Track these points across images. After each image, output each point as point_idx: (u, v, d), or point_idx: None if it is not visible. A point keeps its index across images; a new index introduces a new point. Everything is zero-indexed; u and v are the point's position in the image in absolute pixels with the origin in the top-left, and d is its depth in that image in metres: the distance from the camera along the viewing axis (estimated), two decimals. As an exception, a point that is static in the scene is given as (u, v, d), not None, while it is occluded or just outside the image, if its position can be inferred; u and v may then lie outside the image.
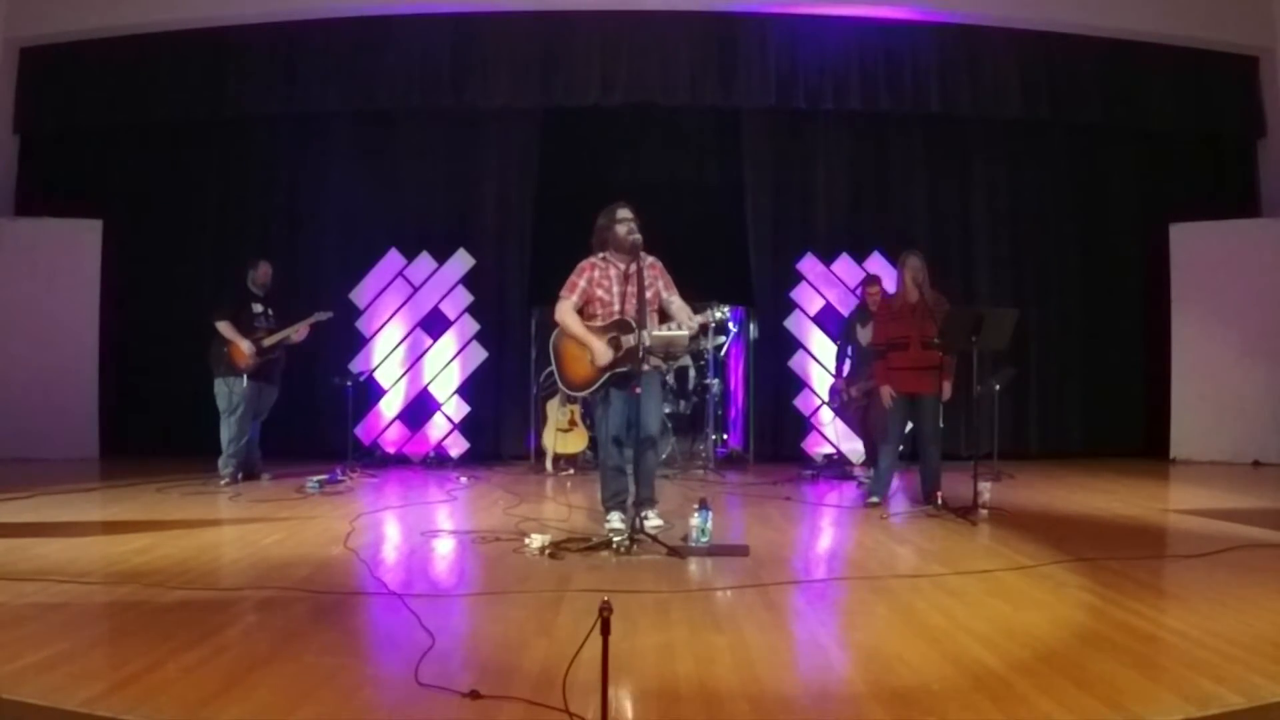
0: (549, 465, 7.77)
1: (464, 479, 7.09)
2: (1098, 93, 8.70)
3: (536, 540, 4.32)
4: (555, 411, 7.82)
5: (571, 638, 2.71)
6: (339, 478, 6.79)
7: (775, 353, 8.61)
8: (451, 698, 2.36)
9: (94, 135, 8.90)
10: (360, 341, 8.27)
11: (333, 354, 8.09)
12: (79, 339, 8.35)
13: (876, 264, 8.27)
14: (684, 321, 4.81)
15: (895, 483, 6.49)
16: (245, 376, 6.56)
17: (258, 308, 6.77)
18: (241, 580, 3.66)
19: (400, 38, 8.44)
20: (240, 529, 4.92)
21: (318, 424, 8.39)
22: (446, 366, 8.31)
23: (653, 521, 4.74)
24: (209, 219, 8.93)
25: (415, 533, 4.89)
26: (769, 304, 8.69)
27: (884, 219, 8.89)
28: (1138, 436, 9.05)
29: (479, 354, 8.34)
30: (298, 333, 6.80)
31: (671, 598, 3.44)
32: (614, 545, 4.22)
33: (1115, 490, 6.62)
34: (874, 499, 5.78)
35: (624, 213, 4.83)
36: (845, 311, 8.09)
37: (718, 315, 4.79)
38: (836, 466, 7.73)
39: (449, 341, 8.34)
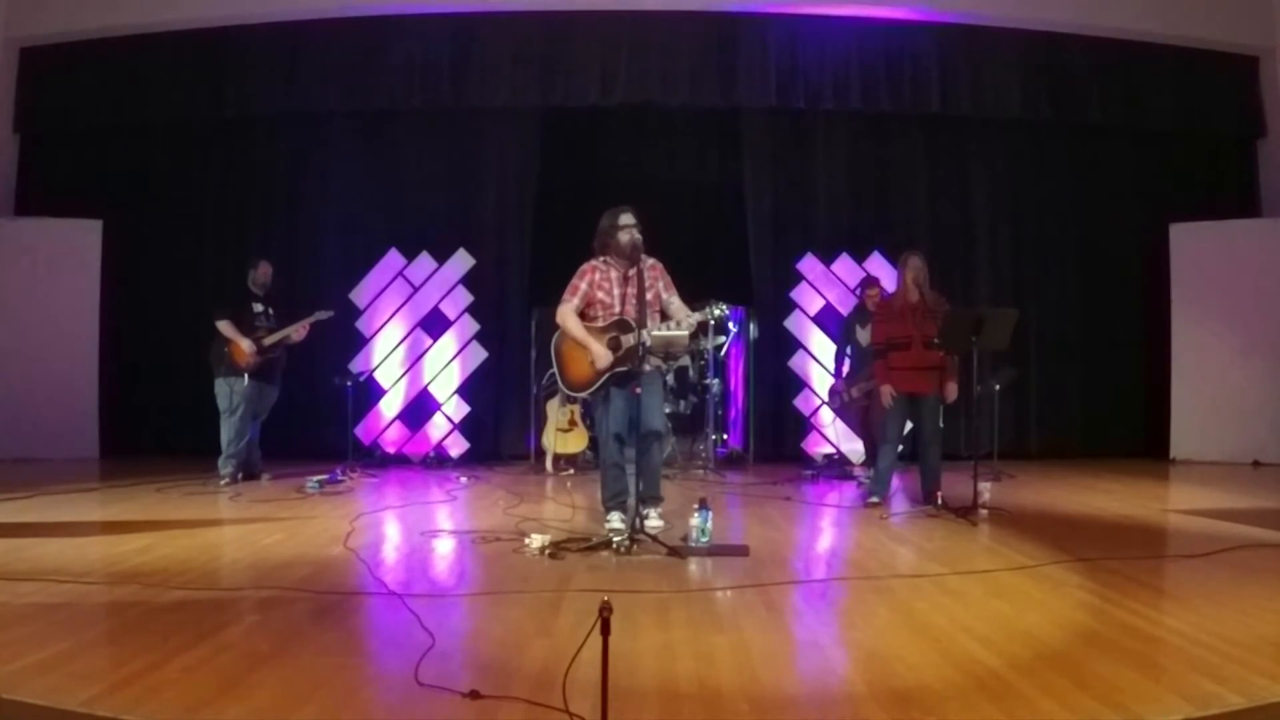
0: (549, 465, 7.77)
1: (464, 479, 7.09)
2: (1098, 93, 8.70)
3: (536, 540, 4.33)
4: (555, 411, 7.82)
5: (571, 638, 2.71)
6: (339, 478, 6.79)
7: (775, 353, 8.61)
8: (451, 698, 2.36)
9: (94, 135, 8.90)
10: (360, 341, 8.27)
11: (333, 354, 8.09)
12: (79, 339, 8.34)
13: (876, 264, 8.27)
14: (682, 320, 4.82)
15: (895, 483, 6.49)
16: (246, 376, 6.56)
17: (258, 307, 6.77)
18: (241, 580, 3.66)
19: (400, 38, 8.44)
20: (240, 529, 4.92)
21: (318, 424, 8.38)
22: (446, 366, 8.31)
23: (653, 522, 4.74)
24: (209, 219, 8.92)
25: (415, 533, 4.89)
26: (769, 304, 8.69)
27: (884, 219, 8.89)
28: (1138, 436, 9.04)
29: (479, 354, 8.34)
30: (298, 332, 6.80)
31: (671, 598, 3.44)
32: (614, 545, 4.22)
33: (1115, 490, 6.62)
34: (874, 499, 5.78)
35: (626, 219, 4.84)
36: (845, 312, 8.09)
37: (716, 313, 4.79)
38: (836, 466, 7.73)
39: (449, 341, 8.34)
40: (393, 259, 8.34)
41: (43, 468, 7.38)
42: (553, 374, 5.14)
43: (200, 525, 5.00)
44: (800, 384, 8.43)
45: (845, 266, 8.43)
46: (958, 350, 5.61)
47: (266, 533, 4.76)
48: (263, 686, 2.44)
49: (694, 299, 5.04)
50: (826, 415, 8.15)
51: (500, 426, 8.78)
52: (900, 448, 6.11)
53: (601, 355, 4.74)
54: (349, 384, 7.85)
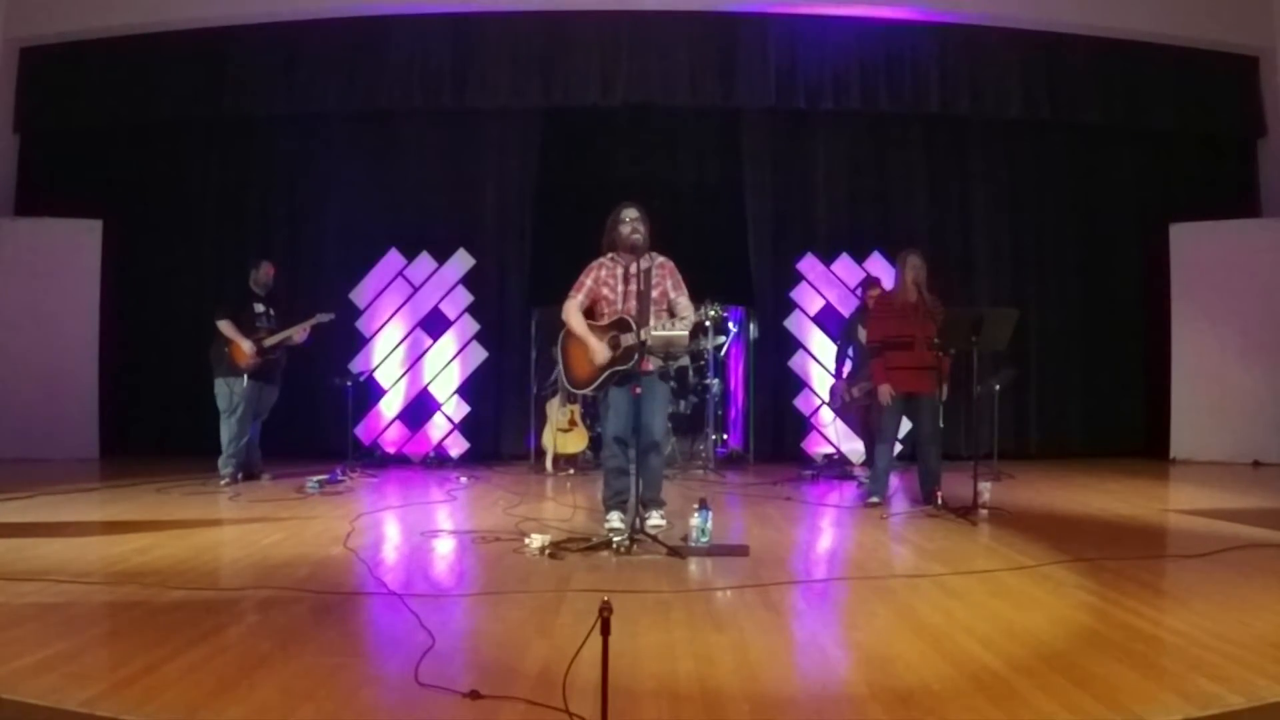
0: (549, 465, 7.77)
1: (464, 479, 7.09)
2: (1098, 93, 8.70)
3: (536, 540, 4.32)
4: (555, 411, 7.82)
5: (571, 638, 2.71)
6: (339, 478, 6.79)
7: (775, 353, 8.61)
8: (451, 698, 2.36)
9: (94, 135, 8.90)
10: (360, 341, 8.27)
11: (333, 354, 8.09)
12: (79, 339, 8.35)
13: (876, 264, 8.28)
14: (685, 319, 4.82)
15: (895, 483, 6.49)
16: (246, 376, 6.56)
17: (259, 307, 6.77)
18: (241, 580, 3.66)
19: (400, 38, 8.44)
20: (240, 529, 4.92)
21: (318, 424, 8.39)
22: (446, 366, 8.31)
23: (653, 521, 4.75)
24: (209, 219, 8.93)
25: (415, 533, 4.89)
26: (769, 304, 8.69)
27: (884, 219, 8.89)
28: (1138, 436, 9.05)
29: (479, 354, 8.35)
30: (299, 334, 6.80)
31: (671, 598, 3.44)
32: (614, 545, 4.22)
33: (1115, 490, 6.62)
34: (874, 499, 5.78)
35: (629, 213, 4.84)
36: (845, 311, 8.09)
37: (711, 314, 4.80)
38: (836, 466, 7.73)
39: (449, 341, 8.34)
40: (393, 259, 8.34)
41: (43, 468, 7.37)
42: (559, 372, 5.15)
43: (200, 525, 5.00)
44: (800, 384, 8.43)
45: (845, 266, 8.43)
46: (957, 350, 5.60)
47: (266, 533, 4.76)
48: (263, 686, 2.44)
49: (693, 299, 5.04)
50: (826, 415, 8.16)
51: (500, 426, 8.78)
52: (900, 448, 6.10)
53: (599, 351, 4.74)
54: (349, 384, 7.85)
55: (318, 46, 8.50)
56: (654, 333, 4.54)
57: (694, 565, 4.08)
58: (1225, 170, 9.21)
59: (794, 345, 8.41)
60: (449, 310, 8.33)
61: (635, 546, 4.23)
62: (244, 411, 6.59)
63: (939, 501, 5.46)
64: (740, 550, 4.33)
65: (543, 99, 8.57)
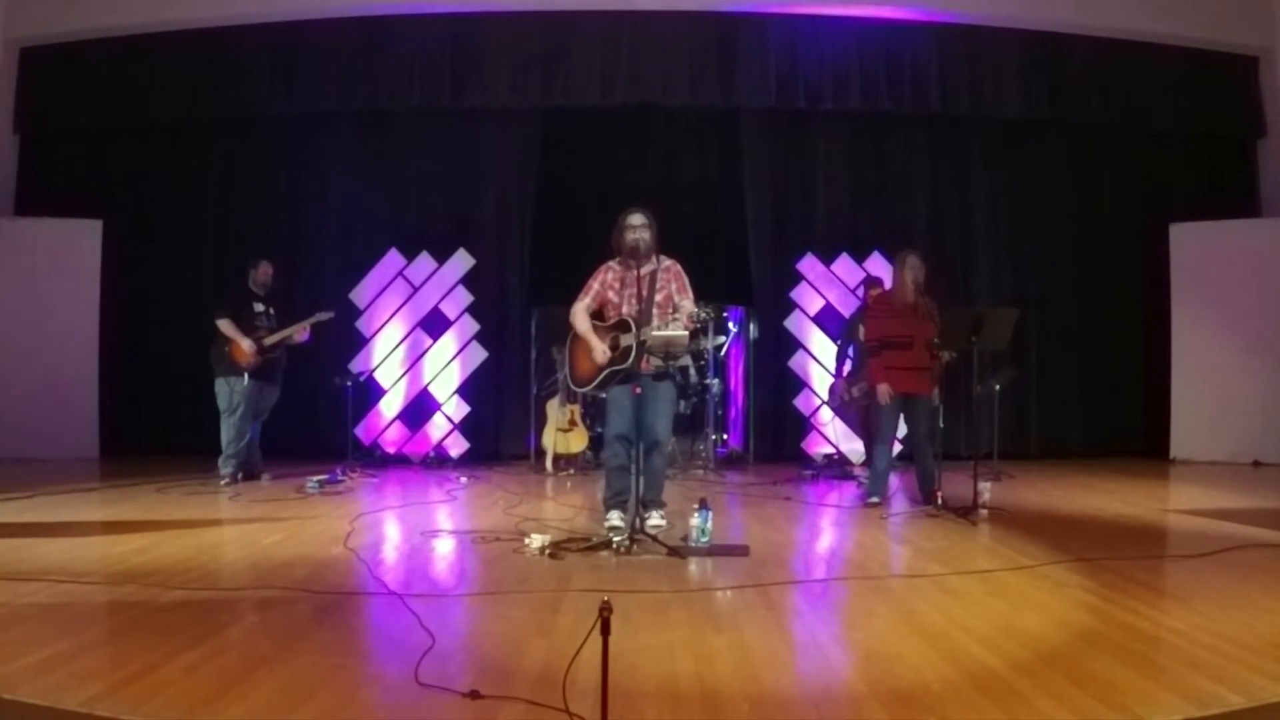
0: (549, 465, 7.77)
1: (464, 479, 7.09)
2: (1098, 93, 8.71)
3: (536, 540, 4.32)
4: (555, 411, 7.82)
5: (571, 638, 2.71)
6: (339, 478, 6.79)
7: (775, 353, 8.61)
8: (451, 698, 2.36)
9: (94, 135, 8.90)
10: (360, 341, 8.27)
11: (333, 354, 8.09)
12: (79, 339, 8.34)
13: (876, 264, 8.28)
14: (683, 320, 4.83)
15: (895, 483, 6.49)
16: (246, 376, 6.56)
17: (259, 307, 6.77)
18: (241, 580, 3.66)
19: (400, 38, 8.44)
20: (240, 529, 4.92)
21: (318, 424, 8.39)
22: (446, 366, 8.31)
23: (653, 521, 4.76)
24: (209, 219, 8.92)
25: (415, 533, 4.89)
26: (769, 304, 8.69)
27: (884, 219, 8.89)
28: (1138, 436, 9.05)
29: (479, 354, 8.35)
30: (299, 333, 6.80)
31: (671, 598, 3.44)
32: (614, 545, 4.23)
33: (1115, 490, 6.62)
34: (874, 499, 5.78)
35: (633, 218, 4.86)
36: (845, 311, 8.10)
37: (702, 316, 4.83)
38: (836, 466, 7.73)
39: (449, 341, 8.34)
40: (393, 259, 8.34)
41: (43, 468, 7.37)
42: (565, 373, 5.20)
43: (200, 525, 5.00)
44: (800, 384, 8.43)
45: (845, 266, 8.44)
46: (956, 351, 5.61)
47: (266, 533, 4.76)
48: (263, 686, 2.44)
49: (694, 298, 5.05)
50: (826, 415, 8.16)
51: (500, 426, 8.78)
52: (900, 448, 6.10)
53: (599, 351, 4.79)
54: (349, 384, 7.85)
55: (318, 46, 8.50)
56: (653, 333, 4.55)
57: (694, 565, 4.08)
58: (1225, 170, 9.21)
59: (794, 345, 8.41)
60: (449, 310, 8.33)
61: (635, 546, 4.24)
62: (244, 411, 6.59)
63: (939, 501, 5.46)
64: (740, 550, 4.33)
65: (543, 99, 8.57)
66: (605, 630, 2.06)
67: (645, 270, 4.82)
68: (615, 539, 4.28)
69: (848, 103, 8.57)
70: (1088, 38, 8.66)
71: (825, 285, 8.41)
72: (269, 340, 6.67)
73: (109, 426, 8.46)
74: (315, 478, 6.51)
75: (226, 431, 6.61)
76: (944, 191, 9.03)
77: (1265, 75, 8.90)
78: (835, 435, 8.17)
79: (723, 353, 8.64)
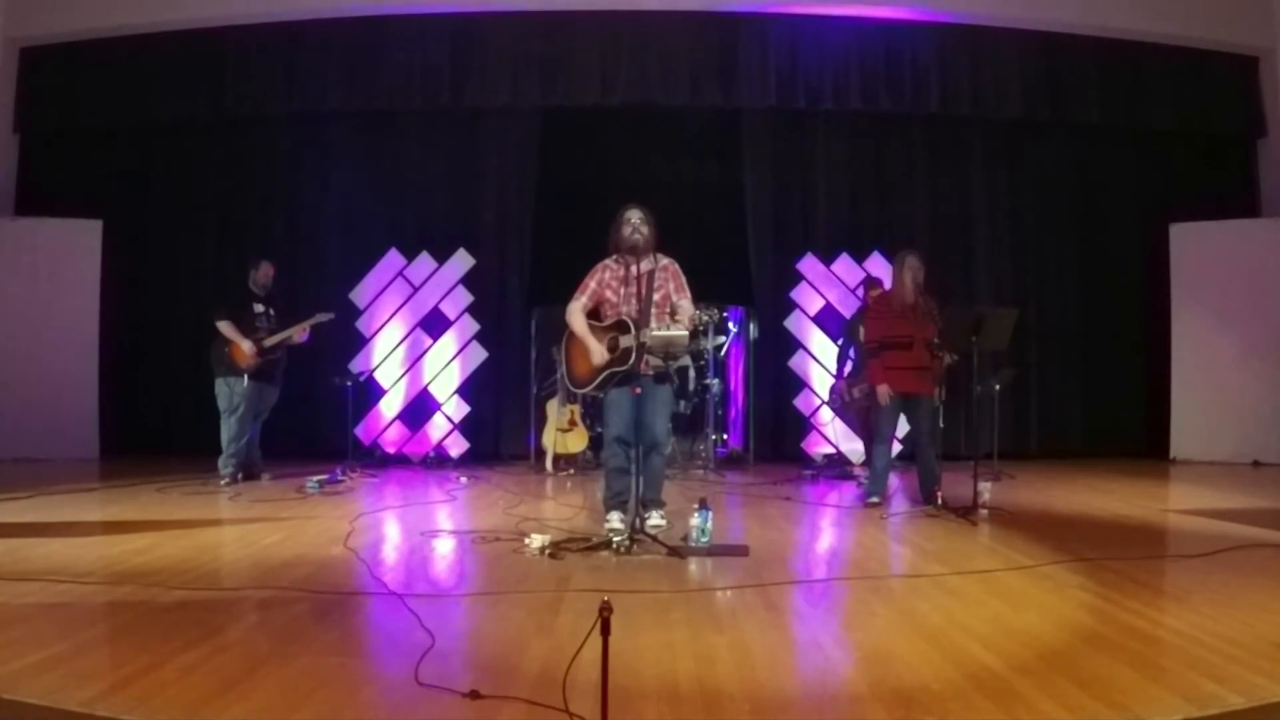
0: (549, 465, 7.77)
1: (464, 479, 7.09)
2: (1098, 93, 8.71)
3: (536, 540, 4.32)
4: (555, 411, 7.82)
5: (571, 638, 2.71)
6: (339, 478, 6.79)
7: (775, 353, 8.61)
8: (451, 698, 2.36)
9: (94, 135, 8.91)
10: (360, 341, 8.27)
11: (333, 354, 8.09)
12: (79, 339, 8.35)
13: (876, 264, 8.28)
14: (683, 321, 4.83)
15: (895, 482, 6.49)
16: (246, 376, 6.56)
17: (259, 307, 6.77)
18: (241, 580, 3.66)
19: (400, 38, 8.44)
20: (240, 529, 4.92)
21: (318, 424, 8.39)
22: (446, 366, 8.31)
23: (653, 521, 4.75)
24: (209, 219, 8.93)
25: (415, 533, 4.89)
26: (769, 304, 8.69)
27: (884, 219, 8.89)
28: (1138, 436, 9.05)
29: (479, 354, 8.34)
30: (299, 334, 6.80)
31: (671, 598, 3.44)
32: (614, 545, 4.22)
33: (1115, 490, 6.62)
34: (874, 499, 5.78)
35: (631, 215, 4.84)
36: (845, 311, 8.10)
37: (704, 318, 4.82)
38: (836, 466, 7.73)
39: (449, 341, 8.34)
40: (393, 259, 8.34)
41: (43, 468, 7.38)
42: (561, 373, 5.17)
43: (200, 525, 5.00)
44: (800, 384, 8.43)
45: (845, 266, 8.43)
46: (957, 351, 5.60)
47: (266, 533, 4.76)
48: (263, 686, 2.44)
49: (693, 299, 5.04)
50: (826, 415, 8.16)
51: (500, 426, 8.78)
52: (900, 448, 6.10)
53: (598, 352, 4.76)
54: (349, 384, 7.85)
55: (318, 46, 8.51)
56: (653, 333, 4.54)
57: (694, 565, 4.08)
58: (1225, 170, 9.21)
59: (794, 345, 8.41)
60: (449, 310, 8.33)
61: (635, 546, 4.23)
62: (244, 411, 6.59)
63: (939, 501, 5.46)
64: (740, 550, 4.33)
65: (543, 99, 8.57)
66: (605, 630, 2.06)
67: (643, 268, 4.80)
68: (615, 539, 4.28)
69: (848, 103, 8.57)
70: (1088, 38, 8.67)
71: (825, 285, 8.41)
72: (269, 341, 6.67)
73: (109, 426, 8.46)
74: (315, 478, 6.51)
75: (226, 431, 6.61)
76: (944, 191, 9.03)
77: (1265, 75, 8.90)
78: (835, 435, 8.17)
79: (723, 353, 8.64)
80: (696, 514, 4.34)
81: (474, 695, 2.35)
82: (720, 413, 8.70)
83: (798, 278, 8.42)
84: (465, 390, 8.33)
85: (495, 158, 8.91)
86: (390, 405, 8.30)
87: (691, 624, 3.09)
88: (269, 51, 8.56)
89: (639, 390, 4.54)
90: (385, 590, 3.54)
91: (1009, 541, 4.58)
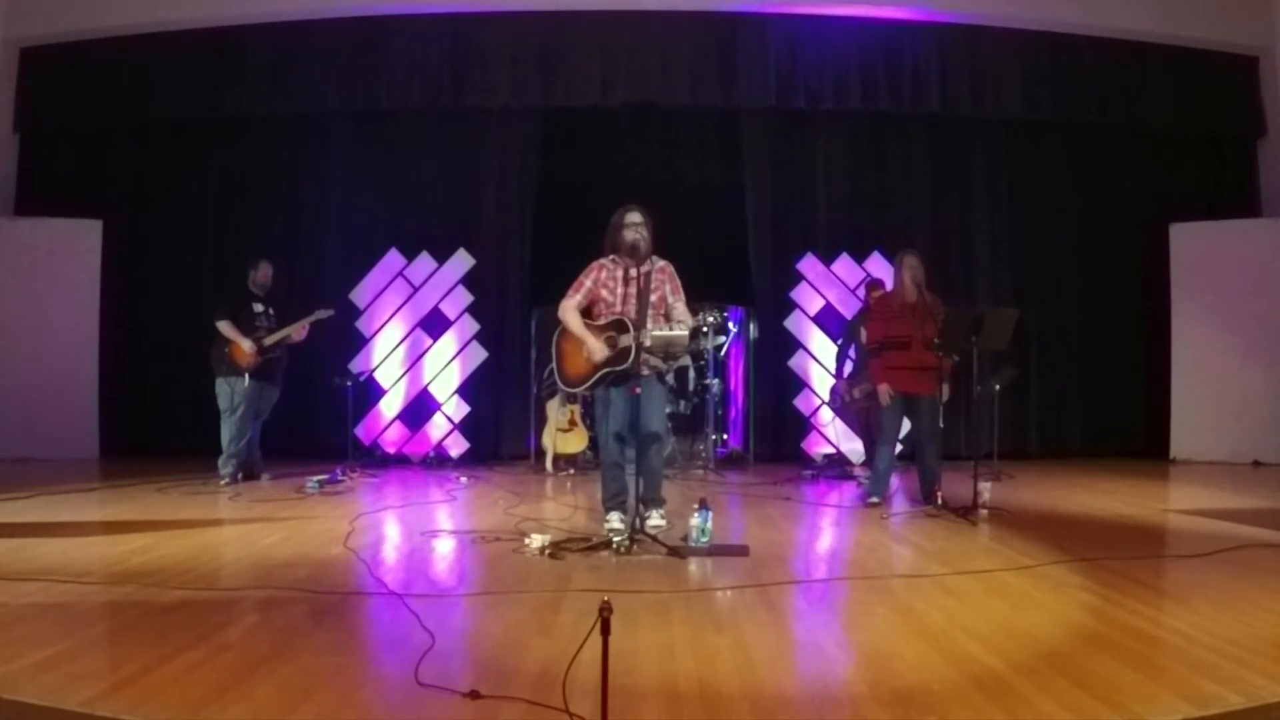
0: (549, 465, 7.77)
1: (464, 479, 7.09)
2: (1098, 93, 8.71)
3: (536, 540, 4.32)
4: (555, 411, 7.82)
5: (571, 638, 2.71)
6: (339, 478, 6.79)
7: (775, 353, 8.61)
8: (451, 698, 2.36)
9: (94, 135, 8.91)
10: (360, 341, 8.27)
11: (333, 354, 8.09)
12: (79, 339, 8.35)
13: (876, 264, 8.28)
14: (683, 322, 4.82)
15: (895, 482, 6.49)
16: (246, 376, 6.56)
17: (258, 307, 6.77)
18: (241, 580, 3.66)
19: (400, 38, 8.45)
20: (240, 529, 4.92)
21: (318, 424, 8.39)
22: (446, 366, 8.31)
23: (653, 521, 4.75)
24: (209, 219, 8.93)
25: (415, 533, 4.89)
26: (769, 304, 8.69)
27: (884, 219, 8.88)
28: (1138, 436, 9.05)
29: (479, 354, 8.34)
30: (298, 332, 6.79)
31: (671, 598, 3.44)
32: (614, 545, 4.22)
33: (1115, 490, 6.62)
34: (874, 499, 5.78)
35: (631, 216, 4.84)
36: (845, 311, 8.11)
37: (710, 320, 4.81)
38: (836, 466, 7.73)
39: (449, 341, 8.34)
40: (393, 259, 8.34)
41: (43, 468, 7.38)
42: (552, 370, 5.16)
43: (200, 525, 5.00)
44: (800, 384, 8.43)
45: (845, 266, 8.43)
46: (957, 351, 5.60)
47: (266, 533, 4.76)
48: (262, 686, 2.44)
49: (694, 299, 5.05)
50: (826, 415, 8.16)
51: (500, 426, 8.78)
52: (900, 448, 6.10)
53: (597, 350, 4.74)
54: (349, 384, 7.85)
55: (318, 46, 8.50)
56: (654, 333, 4.54)
57: (694, 565, 4.08)
58: (1225, 170, 9.21)
59: (794, 345, 8.41)
60: (449, 310, 8.33)
61: (635, 546, 4.23)
62: (244, 411, 6.59)
63: (939, 501, 5.46)
64: (740, 550, 4.33)
65: (542, 99, 8.57)
66: (605, 630, 2.06)
67: (640, 270, 4.79)
68: (615, 539, 4.28)
69: (848, 103, 8.57)
70: (1088, 38, 8.66)
71: (825, 285, 8.41)
72: (268, 341, 6.67)
73: (109, 426, 8.46)
74: (315, 478, 6.51)
75: (227, 431, 6.61)
76: (944, 191, 9.02)
77: (1265, 75, 8.90)
78: (835, 435, 8.17)
79: (723, 353, 8.64)
80: (696, 514, 4.34)
81: (474, 695, 2.35)
82: (720, 413, 8.70)
83: (798, 278, 8.42)
84: (465, 390, 8.33)
85: (495, 158, 8.91)
86: (390, 405, 8.30)
87: (691, 624, 3.09)
88: (269, 51, 8.55)
89: (639, 390, 4.54)
90: (385, 590, 3.54)
91: (1009, 541, 4.58)
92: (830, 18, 8.51)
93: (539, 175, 8.85)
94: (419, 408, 8.33)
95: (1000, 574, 3.85)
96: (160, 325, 8.63)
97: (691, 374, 8.10)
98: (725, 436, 8.89)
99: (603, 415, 4.95)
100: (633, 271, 4.76)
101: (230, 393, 6.58)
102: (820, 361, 8.27)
